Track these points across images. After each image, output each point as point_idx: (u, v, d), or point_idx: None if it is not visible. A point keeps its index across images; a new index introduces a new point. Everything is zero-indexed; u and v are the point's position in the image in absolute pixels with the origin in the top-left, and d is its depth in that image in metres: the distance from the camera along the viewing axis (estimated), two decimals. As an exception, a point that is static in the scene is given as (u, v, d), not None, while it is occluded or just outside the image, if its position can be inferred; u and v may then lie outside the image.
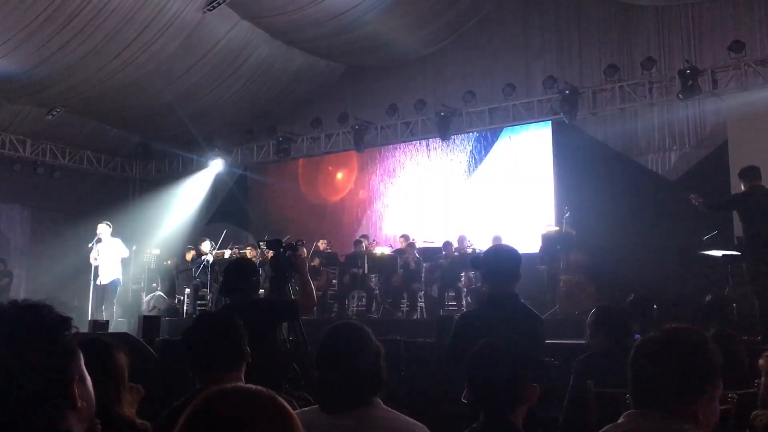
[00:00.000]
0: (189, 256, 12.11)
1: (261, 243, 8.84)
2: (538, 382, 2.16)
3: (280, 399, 1.14)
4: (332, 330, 2.19)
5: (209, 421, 1.10)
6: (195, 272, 11.48)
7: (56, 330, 1.23)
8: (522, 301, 3.55)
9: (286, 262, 4.48)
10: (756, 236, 6.45)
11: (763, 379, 3.16)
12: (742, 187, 6.68)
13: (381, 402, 2.09)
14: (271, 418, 1.11)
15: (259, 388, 1.16)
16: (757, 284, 6.55)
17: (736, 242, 7.56)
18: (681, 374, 1.65)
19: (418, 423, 2.08)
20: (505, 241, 10.52)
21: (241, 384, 1.17)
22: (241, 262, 4.34)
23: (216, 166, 14.73)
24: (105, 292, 10.01)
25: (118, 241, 10.22)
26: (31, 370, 1.17)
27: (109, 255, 10.04)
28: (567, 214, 10.10)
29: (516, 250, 3.67)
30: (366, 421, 2.03)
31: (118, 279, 10.19)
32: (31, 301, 1.25)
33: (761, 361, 3.21)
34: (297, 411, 2.11)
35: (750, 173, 6.61)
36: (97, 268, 10.06)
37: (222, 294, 4.43)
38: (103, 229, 10.11)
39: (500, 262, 3.57)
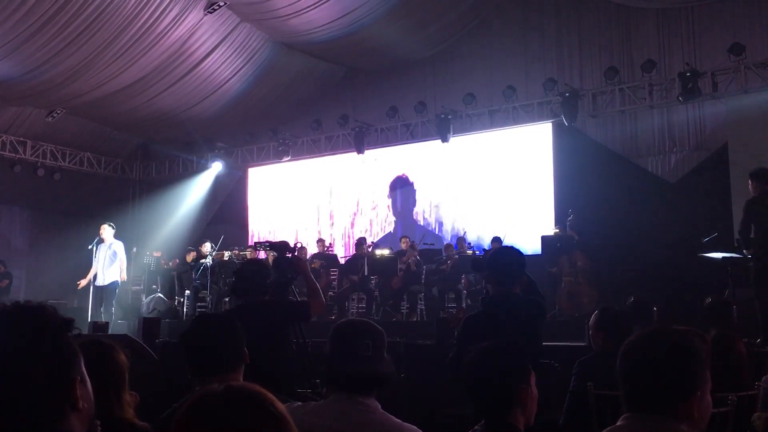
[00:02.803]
0: (190, 257, 12.11)
1: (261, 244, 8.84)
2: (536, 383, 2.16)
3: (273, 398, 1.14)
4: (353, 321, 2.32)
5: (202, 421, 1.09)
6: (195, 274, 11.48)
7: (59, 331, 1.23)
8: (527, 298, 3.58)
9: (288, 264, 4.48)
10: (765, 240, 6.42)
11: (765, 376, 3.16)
12: (751, 187, 6.63)
13: (379, 405, 2.10)
14: (264, 417, 1.10)
15: (252, 386, 1.15)
16: (761, 287, 6.53)
17: (736, 244, 7.54)
18: (671, 375, 1.66)
19: (412, 426, 2.08)
20: (505, 243, 10.54)
21: (235, 383, 1.16)
22: (254, 263, 4.34)
23: (216, 167, 14.75)
24: (104, 293, 10.01)
25: (120, 244, 10.22)
26: (33, 370, 1.17)
27: (107, 256, 10.03)
28: (570, 217, 10.11)
29: (520, 251, 3.72)
30: (361, 426, 2.03)
31: (117, 281, 10.18)
32: (33, 302, 1.26)
33: None
34: (293, 406, 2.13)
35: (761, 176, 6.56)
36: (96, 269, 10.06)
37: (234, 294, 4.43)
38: (106, 230, 10.10)
39: (504, 262, 3.60)
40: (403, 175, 13.53)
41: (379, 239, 13.27)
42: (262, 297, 4.04)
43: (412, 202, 13.46)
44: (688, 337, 1.71)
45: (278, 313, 4.00)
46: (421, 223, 13.21)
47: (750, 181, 6.64)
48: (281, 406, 1.14)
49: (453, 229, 12.68)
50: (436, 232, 12.93)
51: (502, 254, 3.91)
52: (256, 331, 3.68)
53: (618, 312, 3.83)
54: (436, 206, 13.08)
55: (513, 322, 3.32)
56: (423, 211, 13.25)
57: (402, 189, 13.56)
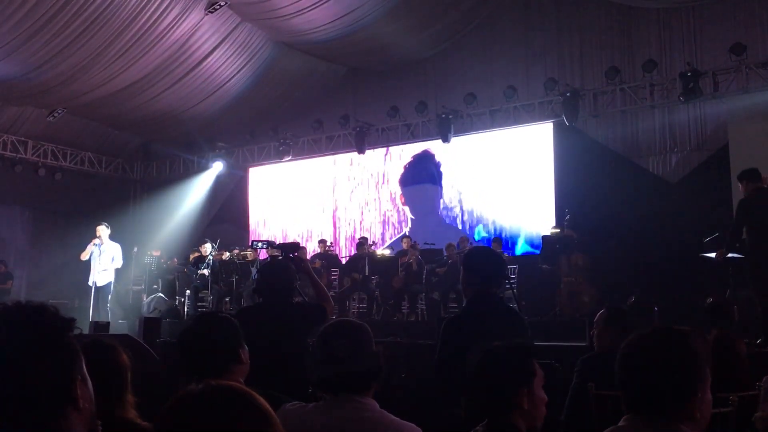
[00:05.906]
0: (193, 257, 12.12)
1: (258, 242, 8.82)
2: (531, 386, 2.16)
3: (255, 395, 1.13)
4: (333, 323, 2.31)
5: (181, 420, 1.09)
6: (195, 274, 11.48)
7: (60, 331, 1.23)
8: (509, 304, 3.55)
9: (295, 264, 4.45)
10: (760, 238, 6.42)
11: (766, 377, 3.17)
12: (741, 189, 6.64)
13: (376, 404, 2.10)
14: (245, 414, 1.10)
15: (232, 385, 1.14)
16: (758, 286, 6.52)
17: (737, 245, 7.53)
18: (672, 376, 1.65)
19: (411, 424, 2.09)
20: (505, 243, 10.55)
21: (215, 381, 1.15)
22: (278, 263, 4.29)
23: (217, 167, 14.75)
24: (99, 293, 9.99)
25: (116, 246, 10.20)
26: (34, 370, 1.17)
27: (107, 257, 10.02)
28: (567, 217, 10.12)
29: (497, 253, 3.67)
30: (358, 424, 2.04)
31: (111, 281, 10.15)
32: (35, 302, 1.26)
33: None
34: (289, 407, 2.14)
35: (751, 175, 6.57)
36: (92, 269, 10.01)
37: (257, 293, 4.40)
38: (102, 230, 10.09)
39: (480, 262, 3.48)
40: (424, 152, 13.02)
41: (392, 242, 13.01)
42: (285, 297, 4.01)
43: (437, 195, 12.95)
44: (689, 337, 1.71)
45: (299, 315, 3.97)
46: (447, 221, 12.82)
47: (740, 185, 6.65)
48: (263, 403, 1.13)
49: (451, 229, 12.67)
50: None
51: (477, 255, 3.65)
52: (275, 332, 3.67)
53: (625, 311, 3.80)
54: (439, 206, 13.08)
55: (497, 324, 3.22)
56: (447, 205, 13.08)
57: (423, 174, 13.07)
